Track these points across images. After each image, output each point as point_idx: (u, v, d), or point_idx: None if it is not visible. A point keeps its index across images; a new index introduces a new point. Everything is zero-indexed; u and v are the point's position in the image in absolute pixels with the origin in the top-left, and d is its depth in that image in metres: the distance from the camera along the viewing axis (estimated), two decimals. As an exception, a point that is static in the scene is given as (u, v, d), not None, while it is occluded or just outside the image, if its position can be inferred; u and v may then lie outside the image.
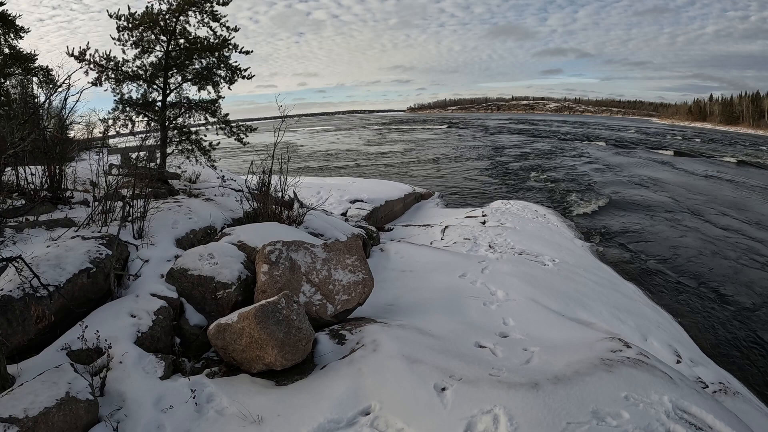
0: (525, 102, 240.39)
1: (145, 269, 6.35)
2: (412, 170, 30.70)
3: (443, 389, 4.25)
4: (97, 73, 10.34)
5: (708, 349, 8.07)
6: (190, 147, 11.38)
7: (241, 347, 4.93)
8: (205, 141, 11.46)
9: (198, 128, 11.64)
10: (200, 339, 5.66)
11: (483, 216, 15.33)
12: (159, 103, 11.19)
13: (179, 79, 11.35)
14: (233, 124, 11.60)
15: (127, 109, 10.93)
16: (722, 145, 53.68)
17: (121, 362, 4.62)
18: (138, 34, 10.56)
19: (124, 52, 10.70)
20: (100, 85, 10.49)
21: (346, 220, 12.26)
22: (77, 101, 9.22)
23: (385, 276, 8.43)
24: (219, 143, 11.58)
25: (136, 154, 10.88)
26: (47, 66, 14.81)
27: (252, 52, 11.71)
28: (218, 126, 11.60)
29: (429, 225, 14.21)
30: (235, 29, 11.13)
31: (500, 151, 43.03)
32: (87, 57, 10.01)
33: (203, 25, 10.93)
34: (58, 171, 8.28)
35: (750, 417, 5.44)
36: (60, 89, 9.32)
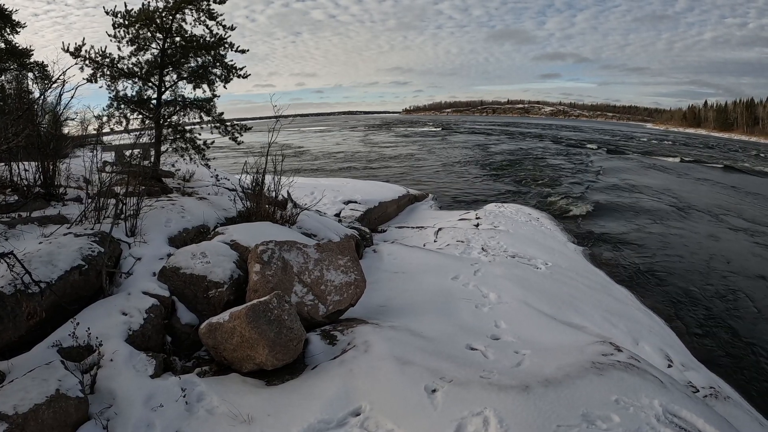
0: (520, 105, 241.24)
1: (137, 267, 6.33)
2: (407, 171, 30.69)
3: (434, 391, 4.26)
4: (92, 69, 10.31)
5: (699, 353, 8.11)
6: (184, 145, 11.34)
7: (232, 346, 4.92)
8: (200, 139, 11.43)
9: (192, 127, 11.62)
10: (191, 338, 5.64)
11: (476, 219, 15.37)
12: (154, 101, 11.17)
13: (175, 77, 11.32)
14: (228, 123, 11.58)
15: (122, 106, 10.88)
16: (716, 151, 54.01)
17: (111, 360, 4.60)
18: (134, 32, 10.51)
19: (119, 48, 10.65)
20: (95, 81, 10.45)
21: (340, 221, 12.27)
22: (72, 97, 9.23)
23: (377, 277, 8.43)
24: (213, 142, 11.56)
25: (130, 151, 10.85)
26: (42, 62, 14.80)
27: (248, 51, 11.68)
28: (213, 125, 11.57)
29: (422, 227, 14.21)
30: (232, 28, 11.11)
31: (494, 154, 43.08)
32: (82, 53, 9.98)
33: (199, 23, 10.90)
34: (51, 167, 8.25)
35: (740, 422, 5.47)
36: (55, 85, 9.29)
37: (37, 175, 8.17)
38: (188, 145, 11.35)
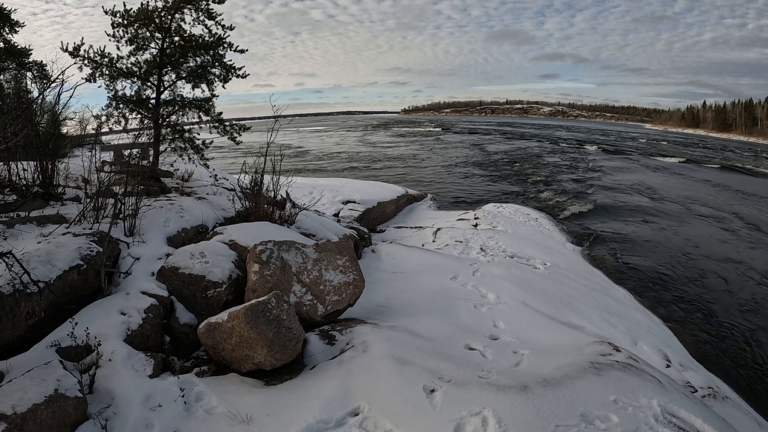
0: (519, 106, 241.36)
1: (135, 267, 6.32)
2: (406, 171, 30.68)
3: (432, 391, 4.26)
4: (91, 69, 10.30)
5: (698, 353, 8.13)
6: (183, 145, 11.35)
7: (231, 346, 4.92)
8: (199, 139, 11.43)
9: (191, 126, 11.61)
10: (190, 338, 5.64)
11: (475, 219, 15.38)
12: (153, 101, 11.15)
13: (173, 76, 11.30)
14: (227, 123, 11.57)
15: (121, 105, 10.87)
16: (714, 152, 54.09)
17: (110, 360, 4.61)
18: (133, 31, 10.50)
19: (118, 48, 10.64)
20: (94, 81, 10.44)
21: (339, 221, 12.26)
22: (71, 97, 9.19)
23: (376, 277, 8.43)
24: (212, 142, 11.56)
25: (129, 151, 10.83)
26: (41, 61, 14.80)
27: (247, 50, 11.67)
28: (211, 124, 11.57)
29: (421, 227, 14.23)
30: (231, 27, 11.11)
31: (492, 154, 43.08)
32: (81, 53, 9.96)
33: (198, 23, 10.89)
34: (50, 167, 8.23)
35: (739, 421, 5.49)
36: (54, 84, 9.26)
37: (35, 175, 8.16)
38: (187, 144, 11.35)
